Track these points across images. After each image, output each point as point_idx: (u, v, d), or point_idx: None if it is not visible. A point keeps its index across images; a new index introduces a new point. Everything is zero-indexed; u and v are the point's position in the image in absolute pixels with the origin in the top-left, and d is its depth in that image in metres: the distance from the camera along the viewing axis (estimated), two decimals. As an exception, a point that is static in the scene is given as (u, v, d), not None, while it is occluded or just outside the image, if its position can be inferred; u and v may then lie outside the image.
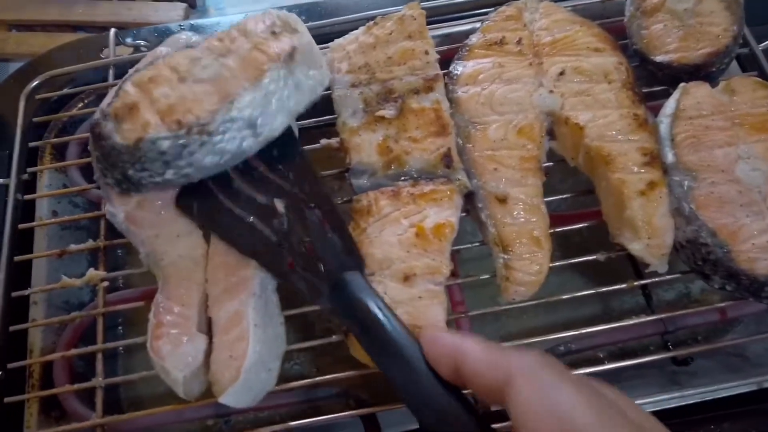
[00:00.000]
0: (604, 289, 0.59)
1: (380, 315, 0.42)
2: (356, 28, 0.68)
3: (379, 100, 0.61)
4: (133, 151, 0.49)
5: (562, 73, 0.62)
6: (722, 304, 0.59)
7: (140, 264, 0.60)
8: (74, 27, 1.05)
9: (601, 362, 0.65)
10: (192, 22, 0.82)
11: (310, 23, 0.79)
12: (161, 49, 0.66)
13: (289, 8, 0.87)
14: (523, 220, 0.57)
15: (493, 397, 0.36)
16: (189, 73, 0.51)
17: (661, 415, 0.60)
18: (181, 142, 0.49)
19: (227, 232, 0.51)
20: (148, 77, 0.52)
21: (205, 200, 0.52)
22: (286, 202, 0.49)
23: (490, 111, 0.61)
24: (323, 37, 0.77)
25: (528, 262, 0.56)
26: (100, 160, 0.53)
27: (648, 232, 0.55)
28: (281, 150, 0.52)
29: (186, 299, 0.54)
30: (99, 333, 0.57)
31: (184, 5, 1.03)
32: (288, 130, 0.53)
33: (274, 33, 0.53)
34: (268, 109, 0.51)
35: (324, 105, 0.67)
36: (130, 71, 0.56)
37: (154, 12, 1.03)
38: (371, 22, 0.66)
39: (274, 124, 0.53)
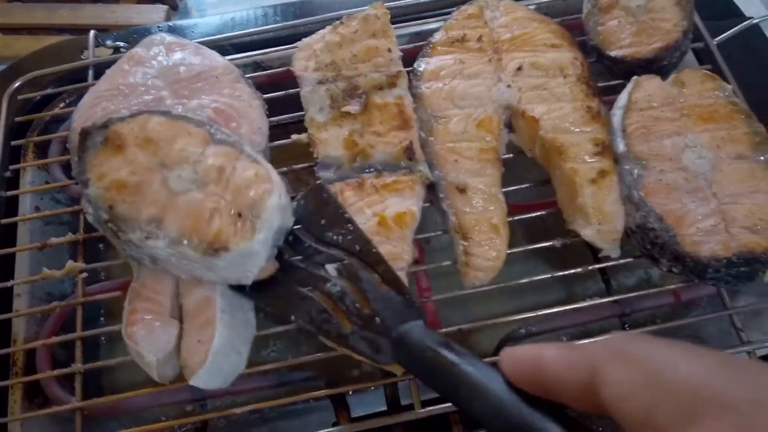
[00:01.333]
0: (561, 273, 0.62)
1: (449, 355, 0.38)
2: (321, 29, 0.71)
3: (344, 96, 0.64)
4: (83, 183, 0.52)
5: (519, 68, 0.65)
6: (675, 286, 0.62)
7: (119, 256, 0.63)
8: (58, 30, 1.07)
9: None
10: (170, 23, 0.85)
11: (284, 22, 0.83)
12: (137, 50, 0.69)
13: (266, 9, 0.90)
14: (481, 208, 0.60)
15: (583, 401, 0.31)
16: (165, 163, 0.53)
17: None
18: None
19: (281, 307, 0.51)
20: (148, 132, 0.54)
21: (267, 286, 0.52)
22: (338, 266, 0.50)
23: (452, 105, 0.64)
24: (298, 37, 0.80)
25: (486, 248, 0.59)
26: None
27: (599, 218, 0.58)
28: (328, 218, 0.52)
29: (159, 287, 0.57)
30: (78, 321, 0.60)
31: (165, 7, 1.06)
32: (330, 197, 0.54)
33: (240, 215, 0.51)
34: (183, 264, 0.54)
35: (295, 102, 0.70)
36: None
37: (136, 14, 1.06)
38: (337, 22, 0.68)
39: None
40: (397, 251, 0.57)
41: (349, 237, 0.51)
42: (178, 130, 0.55)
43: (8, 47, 1.04)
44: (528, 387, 0.33)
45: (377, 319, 0.46)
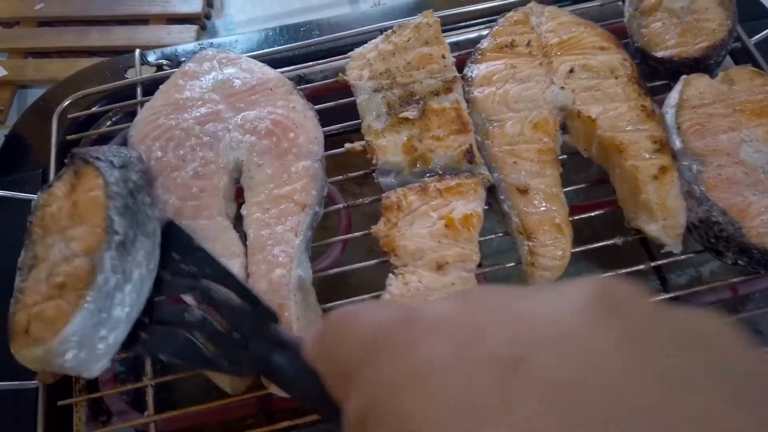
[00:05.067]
0: (623, 271, 0.62)
1: (280, 358, 0.41)
2: (362, 41, 0.73)
3: (401, 103, 0.65)
4: None
5: (571, 71, 0.66)
6: (734, 280, 0.62)
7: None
8: (90, 52, 1.08)
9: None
10: (211, 41, 0.86)
11: (325, 36, 0.84)
12: (190, 65, 0.70)
13: (298, 25, 0.91)
14: (544, 208, 0.60)
15: None
16: (64, 234, 0.52)
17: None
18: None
19: (161, 350, 0.49)
20: (82, 199, 0.54)
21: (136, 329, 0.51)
22: (195, 294, 0.49)
23: (506, 109, 0.65)
24: (339, 50, 0.81)
25: (552, 247, 0.59)
26: None
27: (663, 214, 0.59)
28: (179, 251, 0.51)
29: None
30: (146, 335, 0.59)
31: (195, 27, 1.07)
32: (179, 229, 0.52)
33: (27, 332, 0.49)
34: None
35: (345, 111, 0.71)
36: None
37: (166, 35, 1.07)
38: (389, 31, 0.70)
39: None
40: (467, 252, 0.58)
41: (201, 263, 0.50)
42: (92, 219, 0.52)
43: (41, 70, 1.04)
44: None
45: (234, 334, 0.45)
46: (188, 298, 0.50)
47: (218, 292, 0.49)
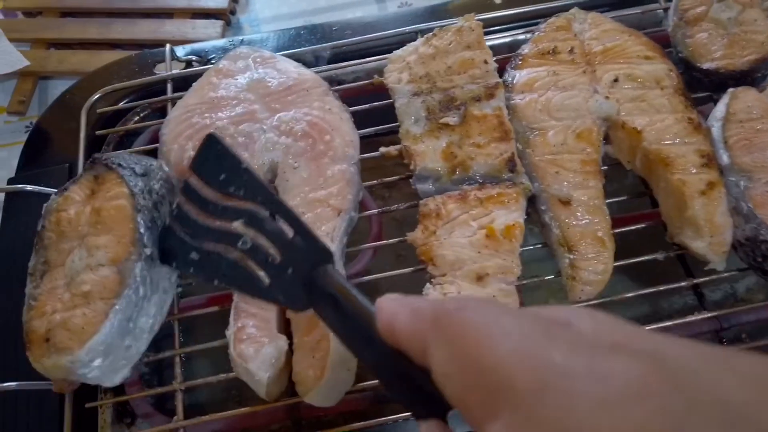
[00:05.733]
0: (664, 288, 0.61)
1: (341, 300, 0.39)
2: (396, 42, 0.71)
3: (441, 108, 0.63)
4: None
5: (615, 80, 0.64)
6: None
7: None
8: (113, 45, 1.07)
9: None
10: (241, 38, 0.85)
11: (358, 36, 0.82)
12: (224, 63, 0.69)
13: (330, 25, 0.90)
14: (586, 221, 0.59)
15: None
16: (83, 242, 0.51)
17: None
18: None
19: (205, 271, 0.49)
20: (104, 204, 0.53)
21: (180, 249, 0.50)
22: (243, 220, 0.47)
23: (548, 117, 0.64)
24: (371, 51, 0.79)
25: (594, 261, 0.58)
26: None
27: (710, 231, 0.57)
28: (227, 172, 0.48)
29: (264, 302, 0.56)
30: (176, 337, 0.58)
31: (221, 22, 1.05)
32: (225, 148, 0.49)
33: (47, 341, 0.49)
34: None
35: (377, 114, 0.70)
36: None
37: (191, 29, 1.05)
38: (430, 34, 0.68)
39: None
40: (508, 264, 0.56)
41: (249, 187, 0.47)
42: (118, 228, 0.52)
43: (63, 62, 1.03)
44: (390, 341, 0.31)
45: (289, 270, 0.44)
46: (237, 224, 0.47)
47: (270, 222, 0.46)
